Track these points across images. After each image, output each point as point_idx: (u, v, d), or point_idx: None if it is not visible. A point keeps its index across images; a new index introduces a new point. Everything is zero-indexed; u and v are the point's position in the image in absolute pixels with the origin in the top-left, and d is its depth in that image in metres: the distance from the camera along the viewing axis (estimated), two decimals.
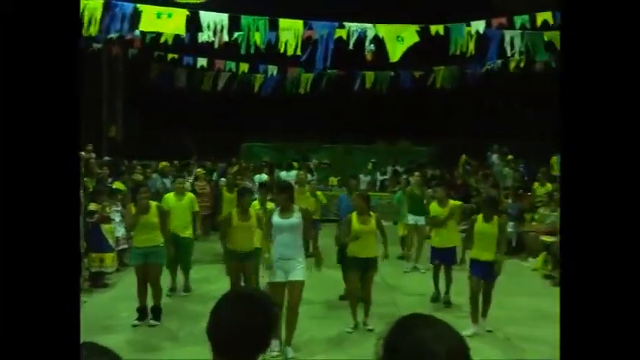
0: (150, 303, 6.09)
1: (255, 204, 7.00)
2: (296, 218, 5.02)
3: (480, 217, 5.99)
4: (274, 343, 5.08)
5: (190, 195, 7.33)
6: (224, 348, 1.54)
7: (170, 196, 7.17)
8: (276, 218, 5.09)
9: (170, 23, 8.08)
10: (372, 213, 5.98)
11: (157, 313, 6.08)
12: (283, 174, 12.93)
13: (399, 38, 8.08)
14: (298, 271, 5.01)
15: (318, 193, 10.07)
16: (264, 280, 7.11)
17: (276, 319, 1.66)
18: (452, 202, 7.37)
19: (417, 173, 9.78)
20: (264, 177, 12.54)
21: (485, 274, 5.85)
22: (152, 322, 6.01)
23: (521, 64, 11.19)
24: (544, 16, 8.19)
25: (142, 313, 6.02)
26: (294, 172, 12.61)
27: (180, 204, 7.03)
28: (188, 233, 7.06)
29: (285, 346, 5.09)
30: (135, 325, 5.92)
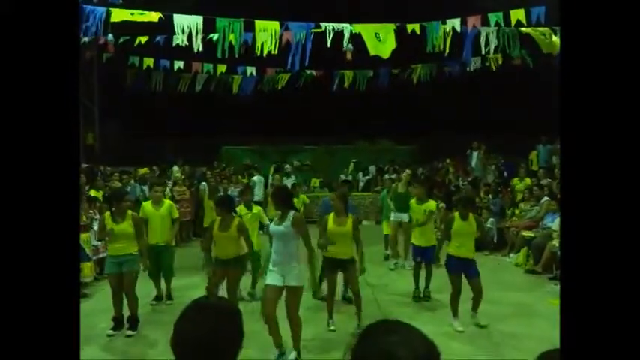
0: (126, 312, 5.96)
1: (242, 209, 6.96)
2: (284, 227, 4.93)
3: (456, 215, 6.05)
4: (275, 353, 5.03)
5: (168, 202, 7.10)
6: None
7: (147, 205, 6.90)
8: (272, 224, 5.09)
9: (142, 17, 8.00)
10: (349, 215, 5.92)
11: (133, 322, 5.94)
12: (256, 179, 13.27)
13: (377, 36, 8.08)
14: (294, 276, 4.92)
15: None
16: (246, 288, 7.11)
17: (241, 328, 1.60)
18: (431, 201, 7.54)
19: (407, 171, 9.87)
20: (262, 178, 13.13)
21: (465, 269, 5.90)
22: (129, 332, 5.86)
23: (499, 61, 11.31)
24: (517, 15, 8.25)
25: (117, 322, 5.89)
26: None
27: (158, 213, 6.77)
28: (168, 241, 6.89)
29: (292, 349, 5.09)
30: (110, 335, 5.76)
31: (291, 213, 5.00)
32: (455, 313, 6.01)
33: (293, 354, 5.08)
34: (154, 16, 8.16)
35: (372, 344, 1.20)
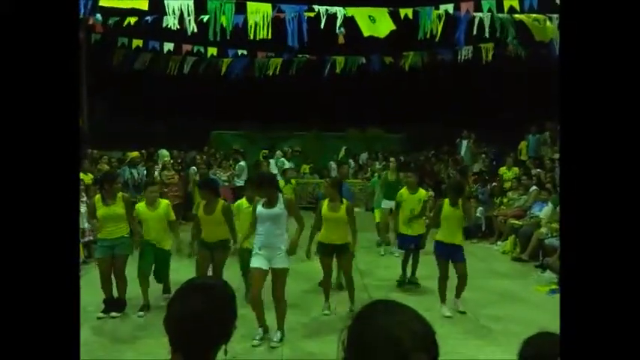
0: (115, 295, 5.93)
1: (243, 202, 6.53)
2: (278, 209, 5.03)
3: (446, 201, 6.08)
4: (256, 332, 5.07)
5: (165, 203, 6.26)
6: (178, 342, 1.48)
7: (142, 207, 6.16)
8: (259, 208, 5.12)
9: (132, 3, 7.79)
10: (344, 201, 5.93)
11: (121, 305, 5.92)
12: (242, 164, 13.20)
13: (371, 18, 7.99)
14: (280, 258, 5.03)
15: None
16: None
17: (234, 308, 1.59)
18: (422, 190, 7.39)
19: (392, 159, 9.97)
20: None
21: (452, 255, 5.97)
22: (114, 314, 5.83)
23: (490, 52, 11.29)
24: (511, 1, 8.21)
25: (108, 305, 5.86)
26: None
27: (153, 214, 6.07)
28: (167, 245, 6.18)
29: (277, 330, 5.15)
30: (100, 318, 5.74)
31: (281, 195, 5.12)
32: (443, 299, 6.10)
33: (278, 334, 5.14)
34: (143, 4, 7.94)
35: (369, 324, 1.19)
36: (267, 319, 5.21)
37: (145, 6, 8.02)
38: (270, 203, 5.07)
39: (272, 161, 13.65)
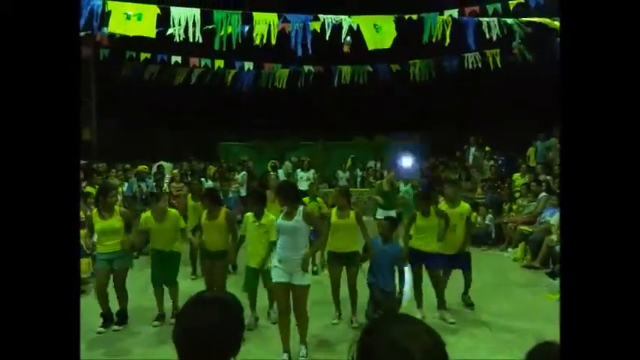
0: (115, 307, 5.93)
1: (249, 216, 6.18)
2: (295, 221, 4.84)
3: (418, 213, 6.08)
4: (281, 358, 4.94)
5: (173, 213, 6.14)
6: (187, 355, 1.48)
7: (149, 218, 6.03)
8: (279, 219, 4.99)
9: (139, 26, 7.80)
10: (353, 208, 5.94)
11: (122, 317, 5.91)
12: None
13: (376, 27, 7.97)
14: (300, 275, 4.83)
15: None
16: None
17: (243, 321, 1.61)
18: (464, 203, 6.54)
19: (392, 171, 9.97)
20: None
21: (426, 262, 6.00)
22: (116, 327, 5.81)
23: (497, 57, 11.26)
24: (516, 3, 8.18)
25: (107, 318, 5.84)
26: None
27: (162, 226, 5.97)
28: (175, 247, 6.08)
29: (300, 344, 5.02)
30: (100, 332, 5.70)
31: (301, 207, 4.94)
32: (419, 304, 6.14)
33: (304, 350, 5.01)
34: (150, 32, 7.95)
35: (378, 337, 1.19)
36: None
37: (152, 34, 8.01)
38: (289, 215, 4.89)
39: (280, 171, 13.66)
